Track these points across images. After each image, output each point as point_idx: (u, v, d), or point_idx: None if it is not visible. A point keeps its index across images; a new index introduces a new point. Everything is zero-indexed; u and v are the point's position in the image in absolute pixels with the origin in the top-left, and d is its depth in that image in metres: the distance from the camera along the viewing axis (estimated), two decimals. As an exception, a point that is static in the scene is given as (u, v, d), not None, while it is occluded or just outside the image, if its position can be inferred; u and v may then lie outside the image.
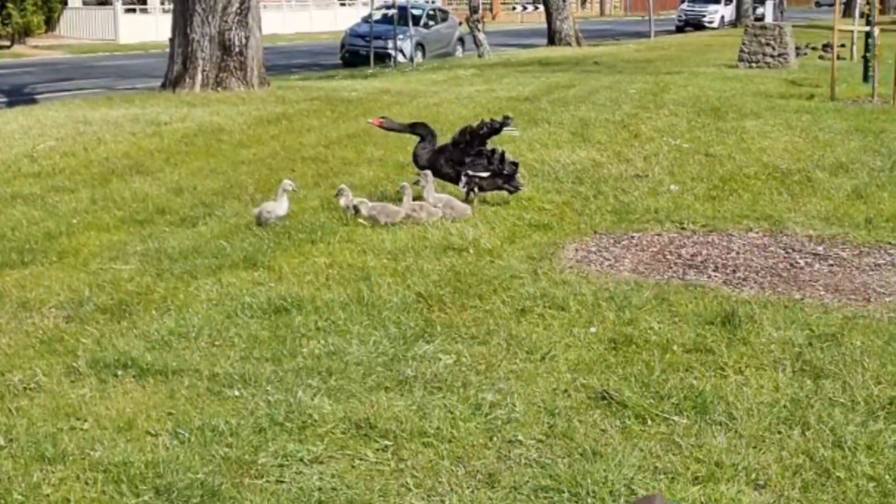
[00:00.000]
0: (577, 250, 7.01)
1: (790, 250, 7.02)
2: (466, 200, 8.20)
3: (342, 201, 7.75)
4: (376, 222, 7.52)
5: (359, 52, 28.81)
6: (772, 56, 22.37)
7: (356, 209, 7.65)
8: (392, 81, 21.20)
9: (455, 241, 7.03)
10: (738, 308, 5.50)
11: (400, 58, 28.70)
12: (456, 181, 8.27)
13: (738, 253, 6.96)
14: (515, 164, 8.27)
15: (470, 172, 8.14)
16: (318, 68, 28.13)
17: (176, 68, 18.08)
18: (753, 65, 22.29)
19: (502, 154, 8.22)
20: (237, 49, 17.85)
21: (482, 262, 6.56)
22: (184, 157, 11.06)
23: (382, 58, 27.85)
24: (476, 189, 8.20)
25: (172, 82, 18.06)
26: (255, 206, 7.92)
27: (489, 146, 8.30)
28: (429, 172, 7.98)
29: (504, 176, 8.19)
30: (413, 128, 8.64)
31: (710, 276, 6.41)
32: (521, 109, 14.97)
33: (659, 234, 7.46)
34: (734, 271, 6.52)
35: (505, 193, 8.37)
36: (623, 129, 12.74)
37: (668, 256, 6.89)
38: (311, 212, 8.01)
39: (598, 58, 27.46)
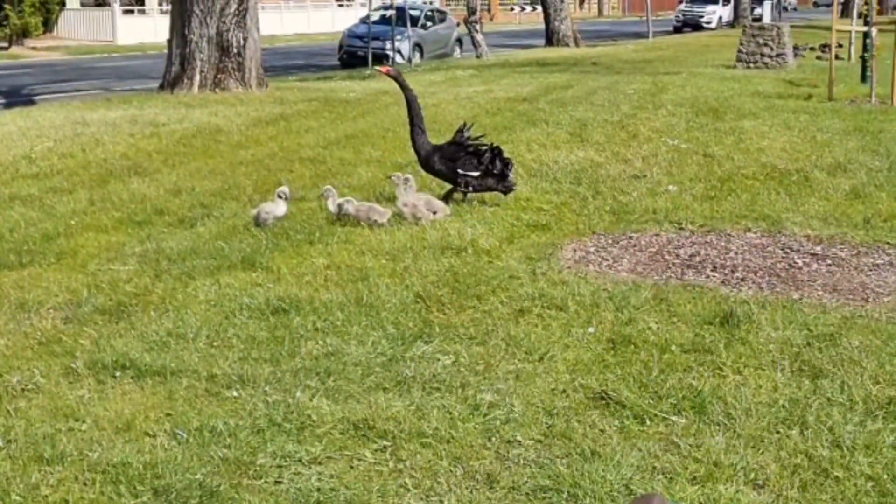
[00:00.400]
0: (575, 251, 7.01)
1: (788, 250, 7.02)
2: (463, 200, 8.20)
3: (329, 204, 7.68)
4: (365, 221, 7.47)
5: (357, 53, 28.80)
6: (770, 56, 22.38)
7: (342, 209, 7.58)
8: (390, 82, 21.16)
9: (453, 241, 7.03)
10: (736, 308, 5.51)
11: (398, 59, 28.71)
12: (449, 179, 8.24)
13: (736, 253, 6.96)
14: (508, 164, 8.16)
15: (461, 171, 8.10)
16: (316, 69, 28.14)
17: (174, 69, 18.09)
18: (751, 65, 22.30)
19: (494, 152, 8.10)
20: (235, 50, 17.85)
21: (480, 263, 6.56)
22: (182, 158, 11.06)
23: (380, 59, 27.83)
24: (471, 189, 8.17)
25: (170, 83, 18.06)
26: (254, 207, 7.93)
27: (484, 143, 8.25)
28: (411, 176, 7.92)
29: (496, 175, 8.13)
30: (412, 99, 8.40)
31: (708, 277, 6.42)
32: (519, 110, 14.98)
33: (657, 235, 7.46)
34: (732, 271, 6.52)
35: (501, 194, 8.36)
36: (621, 129, 12.75)
37: (667, 257, 6.89)
38: (310, 212, 8.00)
39: (596, 58, 27.49)
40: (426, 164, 8.27)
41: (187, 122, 13.90)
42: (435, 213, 7.66)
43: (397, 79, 8.59)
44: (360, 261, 6.62)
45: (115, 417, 4.29)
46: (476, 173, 8.09)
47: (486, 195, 8.38)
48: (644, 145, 11.39)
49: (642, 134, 12.25)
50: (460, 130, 8.26)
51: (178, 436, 4.11)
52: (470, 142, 8.16)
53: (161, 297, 5.94)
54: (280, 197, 7.57)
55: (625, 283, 6.14)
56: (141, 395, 4.53)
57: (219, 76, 17.85)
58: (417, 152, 8.34)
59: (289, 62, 30.37)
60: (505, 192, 8.25)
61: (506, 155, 8.19)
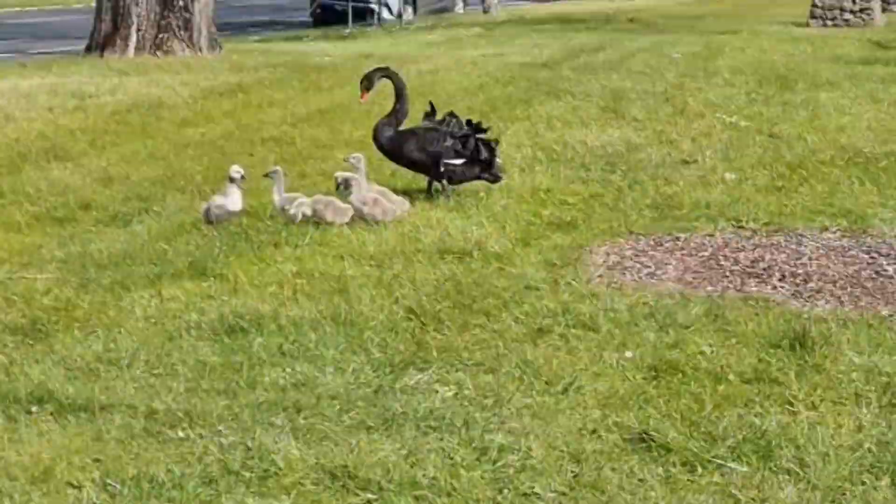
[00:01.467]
0: (608, 255, 7.02)
1: (876, 255, 7.03)
2: (443, 191, 8.17)
3: (274, 194, 7.59)
4: (323, 221, 7.44)
5: (333, 8, 28.85)
6: (852, 12, 22.44)
7: (288, 213, 7.51)
8: (376, 44, 21.24)
9: (455, 243, 7.04)
10: (810, 327, 5.51)
11: (385, 14, 28.74)
12: (427, 170, 8.21)
13: (810, 258, 6.97)
14: (494, 148, 8.12)
15: (444, 160, 8.06)
16: (283, 27, 28.22)
17: (104, 27, 18.13)
18: (829, 22, 22.36)
19: (478, 134, 8.07)
20: (181, 3, 17.88)
21: (489, 270, 6.56)
22: (114, 138, 11.07)
23: (363, 14, 27.87)
24: (454, 179, 8.13)
25: (100, 45, 18.10)
26: (204, 201, 7.93)
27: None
28: (361, 156, 7.87)
29: (482, 162, 8.11)
30: (400, 92, 8.41)
31: (775, 288, 6.42)
32: (537, 78, 15.00)
33: (711, 235, 7.47)
34: (805, 281, 6.53)
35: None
36: (665, 102, 12.77)
37: (723, 262, 6.90)
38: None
39: (634, 13, 27.55)
40: (394, 153, 8.24)
41: (121, 94, 13.91)
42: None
43: (391, 77, 8.57)
44: (338, 267, 6.62)
45: (31, 464, 4.28)
46: (460, 161, 8.07)
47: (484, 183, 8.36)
48: (694, 123, 11.40)
49: (692, 108, 12.26)
50: (429, 114, 8.31)
51: (110, 487, 4.11)
52: (444, 124, 8.15)
53: (88, 312, 5.94)
54: (232, 180, 7.53)
55: (670, 295, 6.15)
56: (62, 436, 4.53)
57: (160, 36, 17.88)
58: (378, 142, 8.27)
59: (249, 18, 30.45)
60: (493, 182, 8.25)
61: (489, 136, 8.15)
